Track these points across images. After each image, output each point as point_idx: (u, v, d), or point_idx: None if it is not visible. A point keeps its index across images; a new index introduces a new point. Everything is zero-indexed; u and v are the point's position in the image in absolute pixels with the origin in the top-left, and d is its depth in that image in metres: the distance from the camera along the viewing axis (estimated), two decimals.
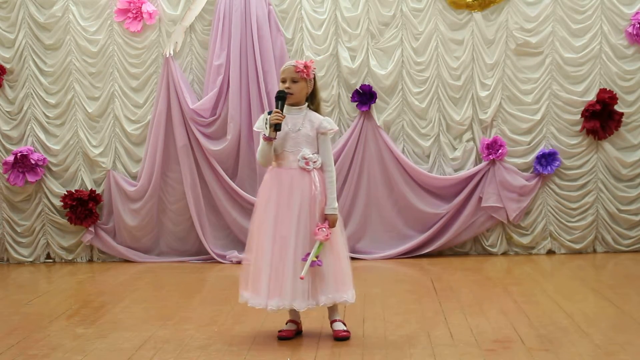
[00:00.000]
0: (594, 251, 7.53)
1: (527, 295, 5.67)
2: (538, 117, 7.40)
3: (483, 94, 7.39)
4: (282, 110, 4.47)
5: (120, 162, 7.52)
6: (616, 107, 7.33)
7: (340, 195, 7.21)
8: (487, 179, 7.38)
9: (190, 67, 7.47)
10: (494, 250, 7.48)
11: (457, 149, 7.45)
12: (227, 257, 7.33)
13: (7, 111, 7.48)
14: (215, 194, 7.41)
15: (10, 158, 7.37)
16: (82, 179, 7.51)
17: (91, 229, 7.45)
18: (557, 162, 7.37)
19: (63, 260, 7.57)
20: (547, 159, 7.37)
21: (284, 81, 4.54)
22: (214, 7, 7.36)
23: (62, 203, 7.41)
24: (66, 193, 7.40)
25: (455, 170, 7.44)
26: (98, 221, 7.47)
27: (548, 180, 7.45)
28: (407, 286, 6.22)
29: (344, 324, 4.63)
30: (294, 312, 4.65)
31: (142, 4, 7.32)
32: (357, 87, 7.35)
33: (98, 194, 7.43)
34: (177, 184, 7.46)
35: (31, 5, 7.41)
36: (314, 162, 4.51)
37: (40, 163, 7.42)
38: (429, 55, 7.40)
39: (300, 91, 4.53)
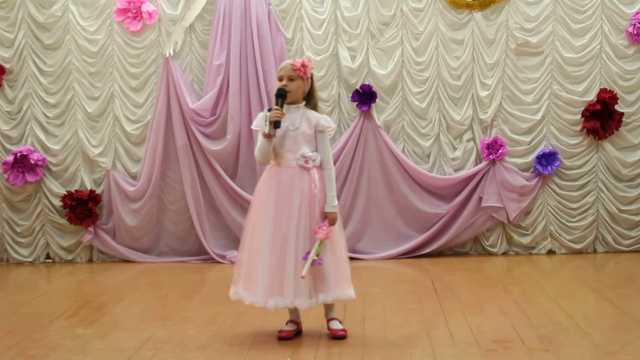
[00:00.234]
0: (594, 251, 7.53)
1: (527, 295, 5.67)
2: (538, 117, 7.40)
3: (483, 93, 7.39)
4: (281, 108, 4.47)
5: (120, 162, 7.52)
6: (616, 107, 7.32)
7: (340, 195, 7.20)
8: (488, 179, 7.38)
9: (190, 67, 7.46)
10: (494, 250, 7.48)
11: (457, 148, 7.45)
12: (227, 257, 7.32)
13: (6, 111, 7.48)
14: (215, 194, 7.41)
15: (10, 158, 7.37)
16: (81, 179, 7.50)
17: (91, 229, 7.45)
18: (558, 162, 7.37)
19: (63, 261, 7.56)
20: (547, 159, 7.36)
21: (280, 79, 4.54)
22: (214, 7, 7.36)
23: (61, 203, 7.41)
24: (66, 193, 7.40)
25: (456, 170, 7.44)
26: (98, 221, 7.47)
27: (548, 180, 7.44)
28: (407, 286, 6.22)
29: (341, 323, 4.63)
30: (294, 312, 4.65)
31: (142, 4, 7.32)
32: (357, 87, 7.35)
33: (98, 194, 7.43)
34: (177, 184, 7.45)
35: (31, 5, 7.41)
36: (313, 160, 4.51)
37: (40, 163, 7.41)
38: (429, 55, 7.39)
39: (297, 89, 4.53)
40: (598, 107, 7.27)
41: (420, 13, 7.38)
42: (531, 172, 7.42)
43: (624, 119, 7.37)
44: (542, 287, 6.02)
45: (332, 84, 7.38)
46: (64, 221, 7.48)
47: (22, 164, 7.40)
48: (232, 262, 7.23)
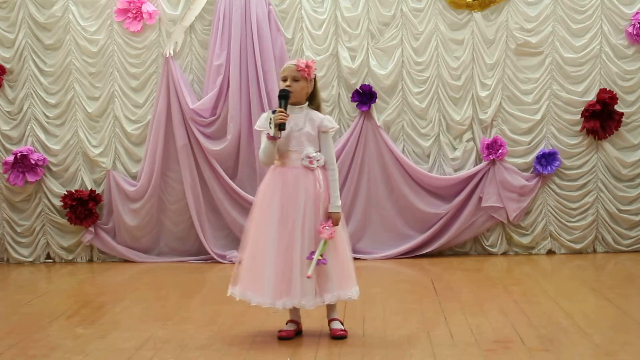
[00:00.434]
0: (594, 251, 7.53)
1: (527, 295, 5.67)
2: (538, 117, 7.40)
3: (483, 94, 7.39)
4: (285, 109, 4.47)
5: (120, 162, 7.52)
6: (616, 107, 7.33)
7: (341, 195, 7.16)
8: (487, 179, 7.38)
9: (190, 67, 7.47)
10: (494, 250, 7.48)
11: (457, 149, 7.45)
12: (227, 257, 7.32)
13: (7, 111, 7.48)
14: (215, 194, 7.41)
15: (10, 158, 7.37)
16: (82, 179, 7.50)
17: (91, 229, 7.45)
18: (557, 162, 7.37)
19: (63, 260, 7.56)
20: (547, 159, 7.36)
21: (284, 79, 4.54)
22: (214, 7, 7.36)
23: (62, 203, 7.41)
24: (66, 193, 7.40)
25: (455, 170, 7.44)
26: (98, 221, 7.47)
27: (548, 180, 7.45)
28: (407, 286, 6.22)
29: (342, 323, 4.64)
30: (294, 312, 4.66)
31: (142, 4, 7.32)
32: (357, 87, 7.35)
33: (98, 194, 7.43)
34: (177, 184, 7.45)
35: (31, 5, 7.41)
36: (318, 160, 4.52)
37: (40, 163, 7.42)
38: (429, 55, 7.40)
39: (300, 90, 4.53)
40: (598, 107, 7.27)
41: (420, 13, 7.38)
42: (531, 172, 7.42)
43: (623, 119, 7.38)
44: (542, 287, 6.02)
45: (332, 84, 7.39)
46: (64, 221, 7.48)
47: (22, 164, 7.40)
48: (233, 262, 7.25)
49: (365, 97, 7.35)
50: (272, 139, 4.46)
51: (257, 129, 4.60)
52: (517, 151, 7.42)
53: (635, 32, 7.28)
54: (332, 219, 4.50)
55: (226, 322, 5.02)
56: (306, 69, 4.51)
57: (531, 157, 7.41)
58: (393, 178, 7.40)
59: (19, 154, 7.38)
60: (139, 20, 7.36)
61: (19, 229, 7.54)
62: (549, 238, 7.51)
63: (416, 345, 4.41)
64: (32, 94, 7.47)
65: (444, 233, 7.42)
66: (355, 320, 4.95)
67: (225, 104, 7.34)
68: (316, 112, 4.60)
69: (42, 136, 7.48)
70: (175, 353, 4.34)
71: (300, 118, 4.53)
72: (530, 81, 7.40)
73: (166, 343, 4.53)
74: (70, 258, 7.57)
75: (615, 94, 7.32)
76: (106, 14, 7.42)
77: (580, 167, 7.45)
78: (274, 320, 4.85)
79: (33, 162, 7.38)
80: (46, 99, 7.48)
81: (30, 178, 7.42)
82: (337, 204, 4.52)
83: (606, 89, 7.33)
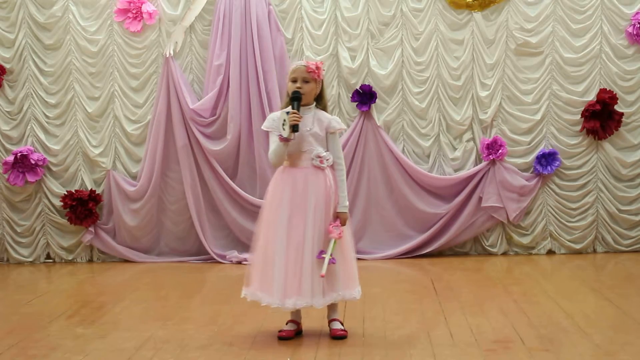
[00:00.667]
0: (594, 251, 7.53)
1: (527, 295, 5.67)
2: (538, 117, 7.41)
3: (483, 94, 7.39)
4: (298, 110, 4.47)
5: (120, 162, 7.52)
6: (616, 107, 7.33)
7: None
8: (487, 179, 7.38)
9: (190, 67, 7.47)
10: (494, 250, 7.48)
11: (457, 149, 7.45)
12: (227, 257, 7.33)
13: (7, 111, 7.48)
14: (215, 194, 7.41)
15: (10, 158, 7.37)
16: (82, 179, 7.51)
17: (91, 229, 7.45)
18: (557, 162, 7.37)
19: (63, 260, 7.57)
20: (547, 159, 7.37)
21: (294, 81, 4.53)
22: (214, 7, 7.36)
23: (62, 203, 7.41)
24: (66, 193, 7.40)
25: (455, 170, 7.44)
26: (98, 221, 7.47)
27: (548, 180, 7.45)
28: (407, 286, 6.22)
29: (342, 323, 4.64)
30: (295, 312, 4.66)
31: (142, 4, 7.32)
32: (357, 87, 7.36)
33: (98, 194, 7.43)
34: (177, 184, 7.45)
35: (31, 5, 7.41)
36: (327, 160, 4.53)
37: (40, 163, 7.42)
38: (429, 55, 7.40)
39: (310, 91, 4.54)
40: (598, 107, 7.27)
41: (420, 13, 7.38)
42: (531, 172, 7.43)
43: (623, 119, 7.38)
44: (542, 287, 6.02)
45: (332, 84, 7.38)
46: (64, 221, 7.48)
47: (22, 164, 7.40)
48: (232, 262, 7.26)
49: (365, 97, 7.36)
50: (285, 140, 4.46)
51: (266, 129, 4.59)
52: (517, 151, 7.43)
53: (635, 32, 7.28)
54: (340, 218, 4.52)
55: (226, 322, 5.02)
56: (316, 71, 4.52)
57: (531, 157, 7.41)
58: (393, 178, 7.40)
59: (19, 154, 7.38)
60: (139, 20, 7.36)
61: (19, 229, 7.54)
62: (549, 238, 7.51)
63: (416, 345, 4.41)
64: (32, 94, 7.47)
65: (444, 233, 7.42)
66: (355, 320, 4.95)
67: (225, 104, 7.34)
68: (323, 112, 4.62)
69: (42, 136, 7.48)
70: (175, 353, 4.34)
71: (308, 119, 4.53)
72: (530, 81, 7.40)
73: (166, 343, 4.53)
74: (70, 258, 7.57)
75: (615, 94, 7.32)
76: (106, 14, 7.42)
77: (580, 167, 7.45)
78: (274, 320, 4.85)
79: (33, 162, 7.38)
80: (46, 99, 7.48)
81: (30, 178, 7.42)
82: (345, 204, 4.55)
83: (606, 89, 7.34)
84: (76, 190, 7.42)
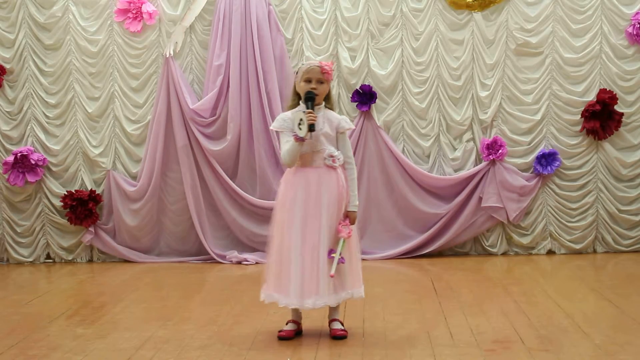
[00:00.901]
0: (594, 251, 7.53)
1: (527, 295, 5.67)
2: (538, 117, 7.41)
3: (483, 94, 7.39)
4: (313, 110, 4.47)
5: (120, 162, 7.52)
6: (616, 107, 7.33)
7: None
8: (487, 179, 7.38)
9: (190, 67, 7.47)
10: (494, 250, 7.48)
11: (457, 149, 7.45)
12: (227, 257, 7.33)
13: (7, 111, 7.49)
14: (215, 194, 7.41)
15: (10, 158, 7.37)
16: (82, 179, 7.51)
17: (91, 229, 7.45)
18: (557, 162, 7.37)
19: (63, 261, 7.57)
20: (547, 159, 7.37)
21: (309, 81, 4.53)
22: (214, 7, 7.36)
23: (62, 203, 7.41)
24: (66, 193, 7.40)
25: (455, 171, 7.44)
26: (98, 221, 7.47)
27: (548, 180, 7.45)
28: (407, 286, 6.22)
29: (342, 323, 4.64)
30: (295, 312, 4.66)
31: (142, 4, 7.32)
32: (357, 87, 7.36)
33: (98, 194, 7.43)
34: (177, 184, 7.45)
35: (31, 5, 7.41)
36: (339, 159, 4.54)
37: (40, 163, 7.42)
38: (429, 56, 7.40)
39: (324, 92, 4.57)
40: (598, 107, 7.28)
41: (420, 13, 7.38)
42: (531, 173, 7.43)
43: (623, 119, 7.38)
44: (542, 287, 6.02)
45: (332, 84, 7.37)
46: (64, 221, 7.48)
47: (22, 164, 7.40)
48: (232, 262, 7.27)
49: (365, 97, 7.36)
50: (301, 140, 4.45)
51: (276, 130, 4.59)
52: (517, 151, 7.43)
53: (635, 32, 7.29)
54: (349, 218, 4.54)
55: (226, 322, 5.02)
56: (330, 72, 4.56)
57: (531, 157, 7.41)
58: (393, 178, 7.40)
59: (19, 154, 7.38)
60: (139, 21, 7.36)
61: (19, 229, 7.54)
62: (549, 238, 7.51)
63: (416, 345, 4.41)
64: (32, 94, 7.48)
65: (444, 233, 7.42)
66: (355, 320, 4.95)
67: (225, 104, 7.34)
68: (332, 112, 4.64)
69: (42, 136, 7.48)
70: (175, 353, 4.34)
71: (319, 118, 4.53)
72: (530, 81, 7.41)
73: (166, 343, 4.53)
74: (70, 258, 7.57)
75: (615, 94, 7.32)
76: (106, 14, 7.42)
77: (580, 167, 7.45)
78: (274, 320, 4.85)
79: (33, 162, 7.39)
80: (46, 99, 7.48)
81: (30, 178, 7.42)
82: (355, 203, 4.57)
83: (606, 89, 7.34)
84: (76, 191, 7.42)
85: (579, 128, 7.41)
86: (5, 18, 7.43)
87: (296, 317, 4.68)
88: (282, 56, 7.34)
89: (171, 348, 4.43)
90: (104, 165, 7.48)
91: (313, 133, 4.44)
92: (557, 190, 7.46)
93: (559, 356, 4.15)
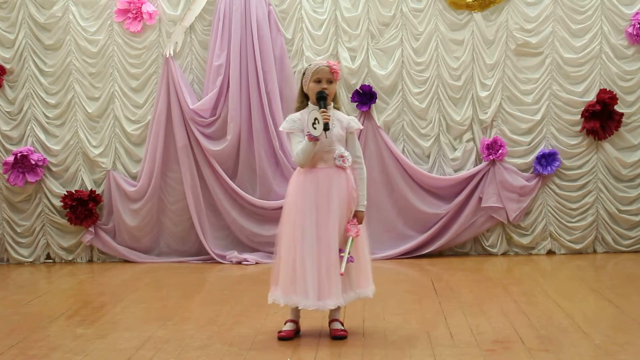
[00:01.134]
0: (594, 251, 7.53)
1: (527, 296, 5.67)
2: (538, 117, 7.41)
3: (483, 94, 7.39)
4: (325, 109, 4.48)
5: (120, 162, 7.52)
6: (616, 108, 7.33)
7: None
8: (487, 179, 7.38)
9: (190, 67, 7.47)
10: (494, 250, 7.48)
11: (457, 149, 7.45)
12: (227, 257, 7.33)
13: (7, 111, 7.49)
14: (215, 194, 7.41)
15: (10, 158, 7.37)
16: (82, 179, 7.51)
17: (91, 229, 7.45)
18: (557, 163, 7.37)
19: (63, 261, 7.57)
20: (547, 159, 7.37)
21: (318, 81, 4.54)
22: (214, 7, 7.36)
23: (62, 203, 7.41)
24: (66, 193, 7.40)
25: (455, 171, 7.44)
26: (98, 221, 7.47)
27: (548, 180, 7.45)
28: (407, 286, 6.22)
29: (342, 324, 4.64)
30: (295, 312, 4.66)
31: (142, 4, 7.32)
32: (357, 88, 7.36)
33: (98, 194, 7.43)
34: (177, 184, 7.45)
35: (31, 6, 7.41)
36: (348, 159, 4.56)
37: (40, 163, 7.42)
38: (429, 56, 7.40)
39: (333, 92, 4.58)
40: (598, 107, 7.27)
41: (420, 13, 7.38)
42: (531, 173, 7.43)
43: (623, 119, 7.38)
44: (542, 287, 6.02)
45: None
46: (64, 221, 7.48)
47: (22, 164, 7.40)
48: (232, 263, 7.26)
49: (365, 97, 7.36)
50: (315, 139, 4.45)
51: (286, 131, 4.59)
52: (517, 151, 7.43)
53: (635, 33, 7.29)
54: (357, 217, 4.56)
55: (226, 322, 5.02)
56: (338, 71, 4.57)
57: (531, 158, 7.41)
58: (393, 178, 7.40)
59: (19, 154, 7.38)
60: (139, 21, 7.36)
61: (19, 229, 7.54)
62: (549, 238, 7.51)
63: (416, 345, 4.41)
64: (32, 94, 7.48)
65: (444, 233, 7.42)
66: (355, 320, 4.95)
67: (225, 104, 7.34)
68: (341, 112, 4.65)
69: (42, 136, 7.48)
70: (175, 353, 4.34)
71: (331, 118, 4.54)
72: (530, 81, 7.41)
73: (166, 343, 4.53)
74: (70, 258, 7.57)
75: (615, 94, 7.32)
76: (106, 14, 7.42)
77: (580, 167, 7.45)
78: (273, 321, 4.86)
79: (33, 162, 7.39)
80: (46, 99, 7.48)
81: (30, 178, 7.42)
82: (363, 203, 4.61)
83: (606, 89, 7.34)
84: (76, 191, 7.42)
85: (579, 128, 7.41)
86: (5, 18, 7.43)
87: (295, 317, 4.68)
88: (282, 56, 7.34)
89: (171, 348, 4.43)
90: (104, 166, 7.48)
91: (327, 132, 4.45)
92: (557, 191, 7.46)
93: (559, 356, 4.15)
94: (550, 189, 7.47)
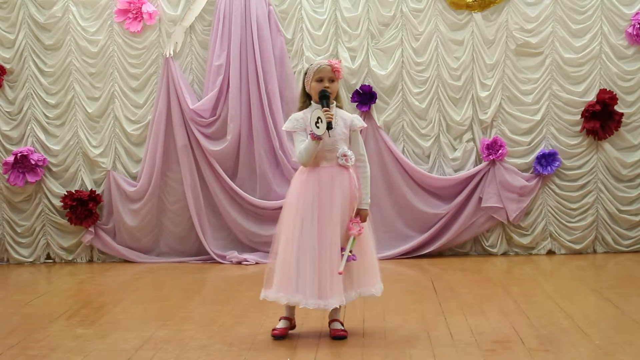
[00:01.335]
0: (594, 251, 7.53)
1: (527, 296, 5.67)
2: (538, 117, 7.41)
3: (483, 94, 7.39)
4: (328, 108, 4.48)
5: (120, 162, 7.52)
6: (616, 108, 7.33)
7: None
8: (487, 180, 7.38)
9: (190, 67, 7.47)
10: (494, 250, 7.48)
11: (457, 149, 7.45)
12: (227, 257, 7.33)
13: (7, 111, 7.49)
14: (215, 194, 7.41)
15: (11, 158, 7.37)
16: (82, 179, 7.51)
17: (91, 229, 7.45)
18: (557, 163, 7.38)
19: (63, 261, 7.57)
20: (547, 159, 7.37)
21: (320, 80, 4.54)
22: (214, 7, 7.36)
23: (62, 203, 7.41)
24: (66, 193, 7.40)
25: (456, 171, 7.44)
26: (98, 221, 7.47)
27: (548, 180, 7.45)
28: (407, 286, 6.22)
29: (342, 324, 4.64)
30: (289, 309, 4.66)
31: (142, 4, 7.33)
32: (357, 88, 7.36)
33: (98, 195, 7.44)
34: (177, 184, 7.46)
35: (31, 6, 7.42)
36: (351, 158, 4.55)
37: (40, 163, 7.42)
38: (429, 56, 7.40)
39: (335, 90, 4.59)
40: (598, 107, 7.28)
41: (420, 14, 7.38)
42: (531, 173, 7.43)
43: (623, 119, 7.38)
44: (542, 287, 6.02)
45: None
46: (64, 221, 7.48)
47: (22, 164, 7.40)
48: (232, 263, 7.26)
49: (365, 97, 7.36)
50: (318, 138, 4.46)
51: (289, 130, 4.59)
52: (517, 151, 7.43)
53: (635, 33, 7.29)
54: (360, 215, 4.54)
55: (226, 322, 5.02)
56: (340, 70, 4.58)
57: (531, 158, 7.41)
58: (393, 178, 7.41)
59: (19, 155, 7.38)
60: (139, 21, 7.36)
61: (19, 229, 7.54)
62: (549, 238, 7.51)
63: (416, 345, 4.41)
64: (32, 95, 7.48)
65: (444, 233, 7.42)
66: (355, 320, 4.95)
67: (225, 105, 7.34)
68: (344, 111, 4.65)
69: (42, 136, 7.48)
70: (175, 353, 4.34)
71: (334, 117, 4.54)
72: (530, 81, 7.41)
73: (166, 343, 4.54)
74: (70, 258, 7.57)
75: (615, 94, 7.32)
76: (106, 14, 7.43)
77: (580, 167, 7.45)
78: (273, 321, 4.85)
79: (33, 162, 7.39)
80: (46, 100, 7.48)
81: (30, 178, 7.42)
82: (367, 201, 4.58)
83: (606, 89, 7.34)
84: (76, 191, 7.42)
85: (579, 128, 7.41)
86: (6, 18, 7.43)
87: (289, 314, 4.67)
88: (282, 56, 7.34)
89: (171, 348, 4.43)
90: (104, 166, 7.48)
91: (331, 131, 4.45)
92: (557, 191, 7.46)
93: (558, 356, 4.15)
94: (550, 189, 7.47)
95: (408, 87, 7.42)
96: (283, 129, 4.72)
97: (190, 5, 7.36)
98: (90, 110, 7.47)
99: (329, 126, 4.43)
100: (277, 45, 7.35)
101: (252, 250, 7.36)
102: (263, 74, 7.28)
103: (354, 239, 4.48)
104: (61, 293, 6.25)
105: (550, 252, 7.53)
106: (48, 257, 7.62)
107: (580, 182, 7.46)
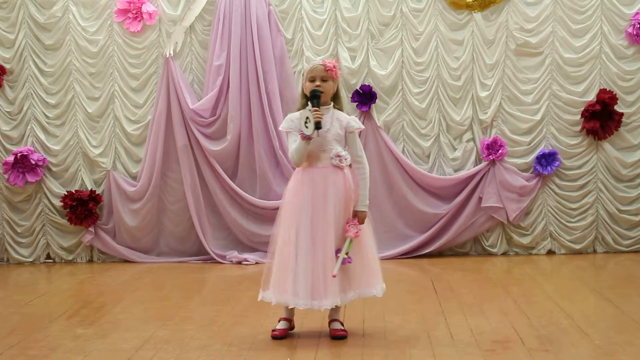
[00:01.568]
0: (594, 251, 7.53)
1: (527, 296, 5.67)
2: (538, 117, 7.41)
3: (483, 94, 7.39)
4: (318, 108, 4.47)
5: (120, 162, 7.52)
6: (616, 108, 7.33)
7: None
8: (487, 179, 7.38)
9: (190, 67, 7.47)
10: (494, 250, 7.48)
11: (457, 149, 7.45)
12: (227, 257, 7.33)
13: (7, 111, 7.49)
14: (215, 194, 7.41)
15: (10, 158, 7.37)
16: (82, 179, 7.51)
17: (91, 229, 7.45)
18: (557, 163, 7.38)
19: (63, 261, 7.57)
20: (547, 159, 7.37)
21: (312, 80, 4.53)
22: (214, 7, 7.36)
23: (62, 203, 7.41)
24: (66, 193, 7.40)
25: (455, 171, 7.44)
26: (98, 221, 7.47)
27: (548, 180, 7.45)
28: (407, 286, 6.22)
29: (342, 324, 4.64)
30: (288, 310, 4.65)
31: (142, 4, 7.32)
32: (357, 88, 7.36)
33: (98, 194, 7.43)
34: (177, 184, 7.46)
35: (31, 6, 7.42)
36: (346, 159, 4.54)
37: (40, 163, 7.42)
38: (429, 56, 7.40)
39: (329, 90, 4.56)
40: (598, 107, 7.28)
41: (420, 13, 7.38)
42: (531, 173, 7.43)
43: (623, 119, 7.38)
44: (542, 287, 6.02)
45: None
46: (64, 221, 7.48)
47: (22, 164, 7.40)
48: (232, 263, 7.26)
49: (365, 97, 7.36)
50: (308, 138, 4.45)
51: (285, 130, 4.59)
52: (517, 151, 7.43)
53: (635, 33, 7.29)
54: (358, 217, 4.53)
55: (226, 322, 5.02)
56: (334, 69, 4.54)
57: (531, 158, 7.41)
58: (393, 178, 7.41)
59: (19, 154, 7.38)
60: (139, 21, 7.36)
61: (19, 229, 7.54)
62: (549, 238, 7.51)
63: (416, 345, 4.41)
64: (32, 94, 7.48)
65: (444, 233, 7.42)
66: (355, 320, 4.95)
67: (225, 105, 7.34)
68: (341, 112, 4.63)
69: (42, 136, 7.48)
70: (175, 353, 4.34)
71: (327, 118, 4.53)
72: (530, 81, 7.41)
73: (166, 343, 4.54)
74: (70, 258, 7.57)
75: (615, 94, 7.32)
76: (106, 14, 7.43)
77: (580, 167, 7.45)
78: (273, 321, 4.85)
79: (33, 162, 7.39)
80: (46, 99, 7.48)
81: (30, 178, 7.42)
82: (365, 203, 4.55)
83: (606, 89, 7.34)
84: (76, 191, 7.42)
85: (579, 128, 7.41)
86: (5, 18, 7.43)
87: (289, 315, 4.67)
88: (282, 56, 7.34)
89: (171, 348, 4.43)
90: (104, 166, 7.48)
91: (320, 131, 4.44)
92: (557, 191, 7.46)
93: (558, 356, 4.15)
94: (550, 189, 7.47)
95: (408, 87, 7.42)
96: (280, 129, 4.71)
97: (190, 5, 7.36)
98: (90, 110, 7.47)
99: (317, 126, 4.42)
100: (277, 45, 7.35)
101: (252, 250, 7.36)
102: (263, 74, 7.28)
103: (351, 241, 4.46)
104: (61, 293, 6.25)
105: (550, 252, 7.53)
106: (48, 257, 7.62)
107: (580, 182, 7.46)
